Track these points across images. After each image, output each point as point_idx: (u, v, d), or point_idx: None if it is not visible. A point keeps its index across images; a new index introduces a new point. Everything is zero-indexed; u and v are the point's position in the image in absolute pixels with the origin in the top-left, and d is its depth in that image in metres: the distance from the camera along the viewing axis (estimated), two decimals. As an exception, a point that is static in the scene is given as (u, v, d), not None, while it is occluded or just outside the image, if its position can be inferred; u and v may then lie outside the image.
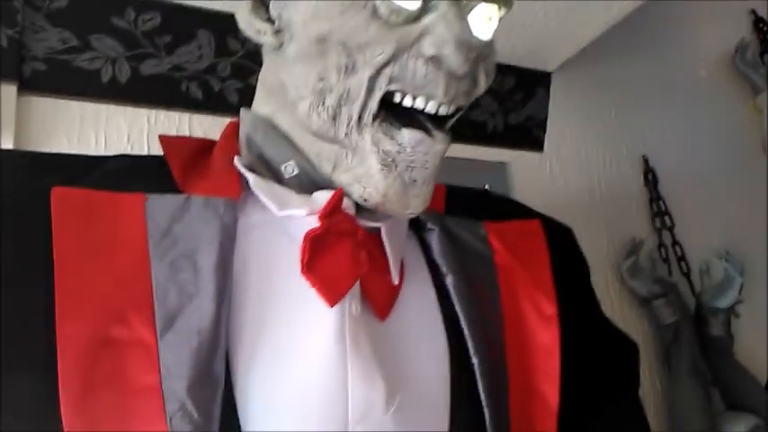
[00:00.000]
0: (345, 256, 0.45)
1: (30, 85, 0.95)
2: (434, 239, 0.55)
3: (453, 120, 0.51)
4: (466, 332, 0.50)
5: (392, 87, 0.45)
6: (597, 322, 0.67)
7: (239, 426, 0.40)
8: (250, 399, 0.41)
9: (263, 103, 0.52)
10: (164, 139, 0.52)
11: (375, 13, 0.44)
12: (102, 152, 0.98)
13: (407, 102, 0.46)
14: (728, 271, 1.32)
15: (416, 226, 0.56)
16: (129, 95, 1.03)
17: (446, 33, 0.44)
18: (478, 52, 0.48)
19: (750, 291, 1.40)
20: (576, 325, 0.58)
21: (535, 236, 0.60)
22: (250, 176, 0.48)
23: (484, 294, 0.54)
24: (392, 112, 0.46)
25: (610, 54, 1.50)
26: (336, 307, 0.44)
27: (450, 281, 0.53)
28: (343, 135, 0.46)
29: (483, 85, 0.51)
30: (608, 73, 1.54)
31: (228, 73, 1.09)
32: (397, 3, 0.44)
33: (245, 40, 1.01)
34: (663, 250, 1.43)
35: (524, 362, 0.54)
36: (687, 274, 1.42)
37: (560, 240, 0.65)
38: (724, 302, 1.30)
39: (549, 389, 0.53)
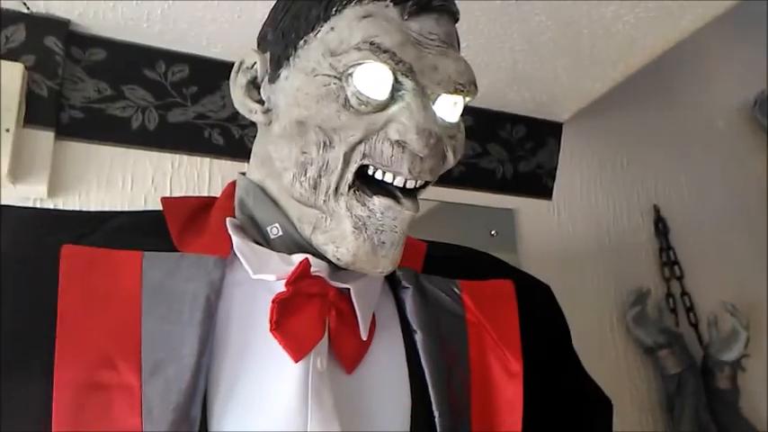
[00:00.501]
0: (312, 315, 0.50)
1: (66, 132, 1.05)
2: (408, 297, 0.59)
3: (424, 189, 0.56)
4: (430, 388, 0.54)
5: (365, 162, 0.51)
6: (570, 379, 0.69)
7: None
8: None
9: (255, 170, 0.59)
10: (165, 201, 0.59)
11: (347, 102, 0.50)
12: (128, 194, 1.06)
13: (379, 175, 0.52)
14: (734, 325, 1.32)
15: (393, 283, 0.61)
16: (156, 141, 1.11)
17: (409, 122, 0.49)
18: (445, 134, 0.53)
19: (758, 345, 1.40)
20: (546, 382, 0.61)
21: (507, 296, 0.64)
22: (234, 239, 0.54)
23: (453, 350, 0.58)
24: (366, 182, 0.52)
25: (623, 104, 1.54)
26: (302, 362, 0.49)
27: (418, 338, 0.57)
28: (322, 202, 0.52)
29: (451, 160, 0.56)
30: (621, 122, 1.57)
31: (248, 122, 1.17)
32: (366, 94, 0.50)
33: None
34: (671, 300, 1.44)
35: (489, 416, 0.57)
36: (695, 325, 1.42)
37: (536, 299, 0.69)
38: (730, 356, 1.30)
39: None
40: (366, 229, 0.51)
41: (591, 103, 1.42)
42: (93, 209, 1.01)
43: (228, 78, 0.60)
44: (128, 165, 1.08)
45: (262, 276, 0.51)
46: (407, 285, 0.60)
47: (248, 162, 0.62)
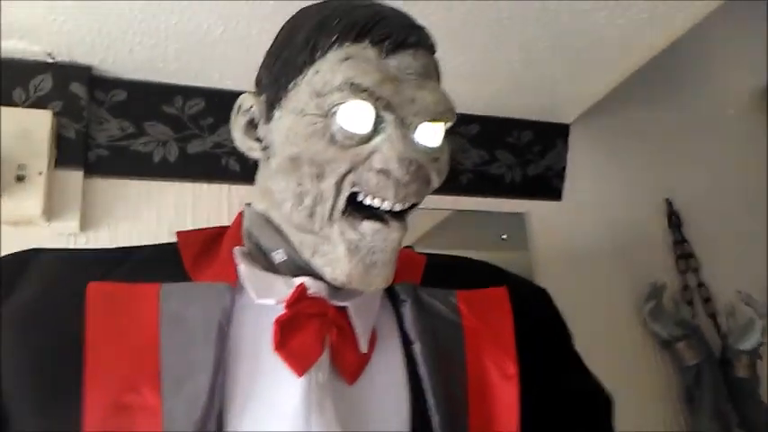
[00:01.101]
0: (312, 334, 0.55)
1: (94, 170, 1.13)
2: (406, 310, 0.64)
3: (412, 210, 0.61)
4: (428, 393, 0.59)
5: (355, 189, 0.56)
6: (568, 379, 0.72)
7: None
8: None
9: (259, 201, 0.65)
10: (179, 235, 0.65)
11: (332, 138, 0.55)
12: (153, 224, 1.14)
13: (368, 201, 0.57)
14: (751, 314, 1.34)
15: (392, 298, 0.66)
16: (177, 172, 1.19)
17: (390, 152, 0.54)
18: (427, 159, 0.58)
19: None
20: (543, 383, 0.65)
21: (501, 302, 0.68)
22: (240, 267, 0.60)
23: (450, 356, 0.63)
24: (357, 208, 0.57)
25: (631, 100, 1.55)
26: (305, 377, 0.54)
27: (416, 348, 0.62)
28: (318, 228, 0.57)
29: (436, 182, 0.61)
30: (630, 118, 1.59)
31: (262, 147, 1.24)
32: (350, 130, 0.55)
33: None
34: (687, 292, 1.45)
35: (486, 418, 0.62)
36: (713, 316, 1.43)
37: (531, 303, 0.72)
38: (747, 345, 1.32)
39: None
40: (358, 251, 0.56)
41: (597, 102, 1.44)
42: (121, 240, 1.08)
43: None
44: (152, 196, 1.16)
45: (263, 301, 0.57)
46: (405, 299, 0.65)
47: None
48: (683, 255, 1.48)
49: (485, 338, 0.65)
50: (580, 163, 1.51)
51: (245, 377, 0.55)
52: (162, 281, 0.59)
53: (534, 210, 1.43)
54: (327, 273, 0.57)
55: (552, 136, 1.50)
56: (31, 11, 1.00)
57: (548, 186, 1.47)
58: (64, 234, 1.08)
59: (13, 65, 1.10)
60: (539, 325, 0.72)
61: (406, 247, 0.73)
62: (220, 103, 1.23)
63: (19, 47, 1.09)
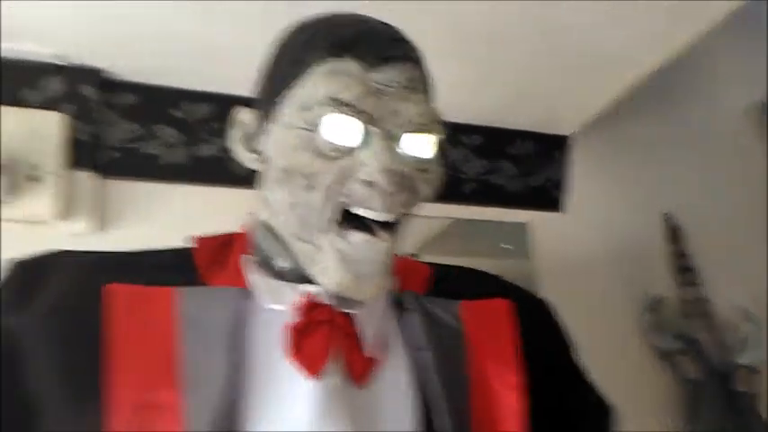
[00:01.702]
0: (322, 339, 0.57)
1: (105, 171, 1.15)
2: (411, 318, 0.66)
3: (403, 222, 0.62)
4: (433, 399, 0.61)
5: (344, 200, 0.58)
6: (570, 388, 0.74)
7: None
8: None
9: (261, 210, 0.66)
10: (195, 240, 0.67)
11: (319, 151, 0.57)
12: (162, 225, 1.15)
13: (359, 211, 0.58)
14: (750, 328, 1.35)
15: (397, 306, 0.68)
16: (186, 175, 1.20)
17: (375, 164, 0.55)
18: (415, 169, 0.59)
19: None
20: (545, 392, 0.67)
21: (502, 313, 0.70)
22: (249, 274, 0.62)
23: (453, 364, 0.64)
24: (349, 218, 0.58)
25: (632, 113, 1.57)
26: (317, 380, 0.56)
27: (421, 355, 0.63)
28: (312, 237, 0.59)
29: (425, 192, 0.62)
30: (630, 131, 1.61)
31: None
32: (335, 142, 0.56)
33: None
34: (687, 306, 1.47)
35: (489, 422, 0.63)
36: (712, 330, 1.45)
37: (532, 313, 0.74)
38: (747, 359, 1.33)
39: None
40: (348, 261, 0.57)
41: (597, 115, 1.46)
42: (132, 240, 1.09)
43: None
44: (162, 198, 1.18)
45: (274, 307, 0.58)
46: (410, 307, 0.67)
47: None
48: (683, 268, 1.50)
49: (487, 348, 0.66)
50: (581, 174, 1.52)
51: (260, 380, 0.57)
52: (178, 284, 0.60)
53: (536, 220, 1.44)
54: (322, 281, 0.58)
55: (552, 147, 1.52)
56: (42, 12, 1.02)
57: (548, 197, 1.49)
58: (76, 234, 1.09)
59: (24, 66, 1.12)
60: (541, 335, 0.73)
61: (411, 255, 0.75)
62: (228, 108, 1.24)
63: (30, 48, 1.11)
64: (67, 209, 1.08)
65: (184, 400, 0.53)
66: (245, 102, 1.28)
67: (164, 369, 0.54)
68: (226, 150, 1.24)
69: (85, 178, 1.12)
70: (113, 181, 1.15)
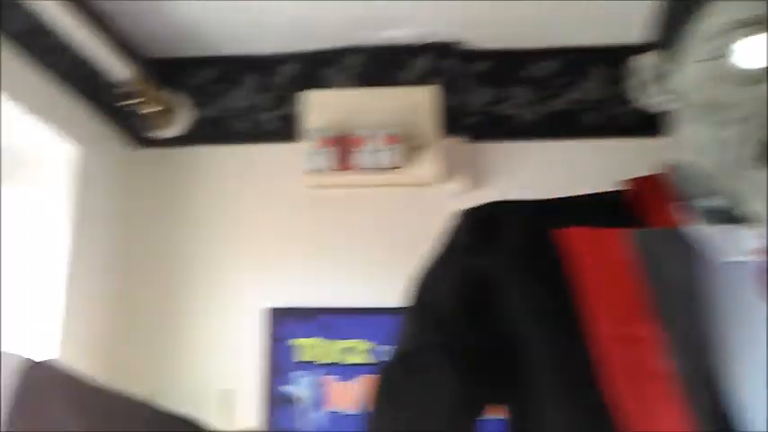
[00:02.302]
0: None
1: (472, 135, 1.26)
2: None
3: None
4: None
5: (764, 131, 0.54)
6: None
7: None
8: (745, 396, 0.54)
9: (682, 152, 0.66)
10: (628, 182, 0.70)
11: (731, 79, 0.53)
12: (528, 181, 1.23)
13: None
14: None
15: None
16: (541, 132, 1.26)
17: None
18: None
19: None
20: None
21: None
22: (681, 216, 0.62)
23: None
24: None
25: None
26: None
27: None
28: (732, 177, 0.56)
29: None
30: None
31: (618, 101, 1.24)
32: (747, 67, 0.52)
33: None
34: None
35: None
36: None
37: None
38: None
39: None
40: None
41: None
42: (504, 197, 1.19)
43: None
44: (523, 156, 1.26)
45: (732, 258, 0.58)
46: None
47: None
48: None
49: None
50: None
51: (729, 319, 0.58)
52: (618, 226, 0.64)
53: None
54: (753, 218, 0.56)
55: None
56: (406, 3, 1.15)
57: None
58: (454, 193, 1.23)
59: (396, 50, 1.28)
60: None
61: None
62: (573, 61, 1.26)
63: (399, 34, 1.26)
64: (446, 172, 1.22)
65: (665, 332, 0.56)
66: (596, 53, 1.28)
67: (636, 304, 0.59)
68: (576, 102, 1.27)
69: (458, 143, 1.24)
70: (480, 144, 1.26)
